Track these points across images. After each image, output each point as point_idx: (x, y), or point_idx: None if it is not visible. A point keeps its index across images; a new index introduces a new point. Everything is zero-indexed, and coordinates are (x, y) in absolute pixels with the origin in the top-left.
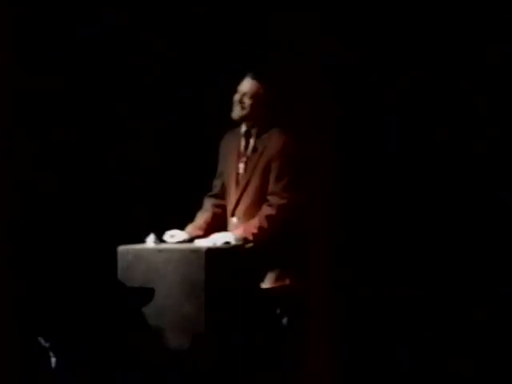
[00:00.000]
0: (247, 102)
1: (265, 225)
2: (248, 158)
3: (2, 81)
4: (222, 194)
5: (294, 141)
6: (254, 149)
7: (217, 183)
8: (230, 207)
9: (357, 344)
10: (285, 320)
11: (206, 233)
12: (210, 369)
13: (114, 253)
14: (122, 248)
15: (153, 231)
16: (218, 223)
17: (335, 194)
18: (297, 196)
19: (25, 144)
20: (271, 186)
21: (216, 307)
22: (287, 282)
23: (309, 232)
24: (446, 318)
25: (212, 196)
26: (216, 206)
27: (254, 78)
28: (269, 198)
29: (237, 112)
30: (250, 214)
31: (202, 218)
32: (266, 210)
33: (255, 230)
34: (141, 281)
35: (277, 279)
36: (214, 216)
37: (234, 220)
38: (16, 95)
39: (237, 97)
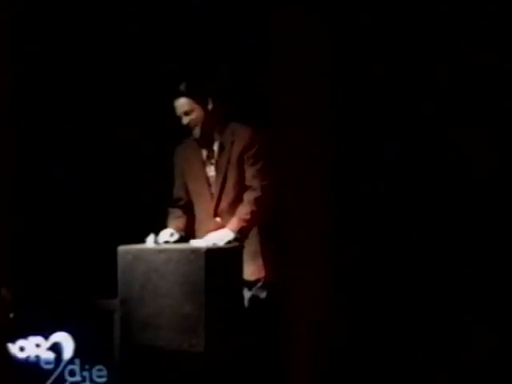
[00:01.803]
0: (193, 119)
1: (255, 208)
2: (218, 158)
3: (3, 79)
4: (188, 204)
5: (256, 130)
6: (221, 147)
7: (181, 194)
8: (207, 210)
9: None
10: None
11: (186, 235)
12: (210, 369)
13: (114, 253)
14: (122, 248)
15: (153, 231)
16: (191, 228)
17: (331, 191)
18: (272, 177)
19: (25, 144)
20: (249, 172)
21: (216, 307)
22: (262, 274)
23: (307, 231)
24: (445, 316)
25: (177, 207)
26: (186, 213)
27: (182, 94)
28: (250, 183)
29: (195, 132)
30: (233, 208)
31: (179, 221)
32: (252, 194)
33: (248, 216)
34: (141, 281)
35: (253, 273)
36: (188, 221)
37: (218, 219)
38: (16, 93)
39: (183, 120)
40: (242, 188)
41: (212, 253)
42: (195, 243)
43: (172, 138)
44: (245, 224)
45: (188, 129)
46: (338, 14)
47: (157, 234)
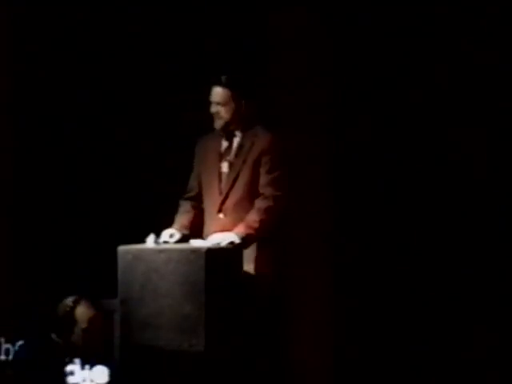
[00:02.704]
0: (222, 110)
1: (265, 217)
2: (235, 156)
3: (3, 79)
4: (198, 196)
5: (280, 137)
6: (240, 146)
7: (194, 185)
8: (214, 205)
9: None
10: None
11: (191, 233)
12: (210, 369)
13: (114, 253)
14: (122, 248)
15: (153, 231)
16: (198, 224)
17: (331, 191)
18: (287, 189)
19: (25, 144)
20: (264, 179)
21: (216, 307)
22: (264, 270)
23: (307, 231)
24: (445, 316)
25: (189, 198)
26: (195, 207)
27: (222, 85)
28: (263, 190)
29: (218, 123)
30: (238, 208)
31: (185, 218)
32: (264, 203)
33: (256, 224)
34: (141, 281)
35: (254, 268)
36: (195, 217)
37: (221, 216)
38: (16, 93)
39: (212, 108)
40: (251, 190)
41: (212, 253)
42: (195, 243)
43: (172, 138)
44: (252, 232)
45: (213, 117)
46: (337, 13)
47: (157, 233)
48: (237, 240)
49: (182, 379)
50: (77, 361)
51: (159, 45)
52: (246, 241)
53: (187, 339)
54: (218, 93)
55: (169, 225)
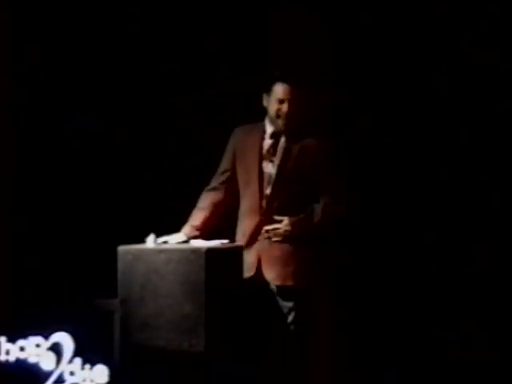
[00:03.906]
0: (287, 109)
1: (328, 216)
2: (283, 158)
3: (3, 79)
4: (222, 189)
5: (332, 145)
6: (288, 149)
7: (222, 175)
8: (254, 204)
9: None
10: (291, 317)
11: (203, 233)
12: (210, 369)
13: (114, 253)
14: (122, 248)
15: (153, 231)
16: (215, 222)
17: None
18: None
19: (25, 144)
20: (328, 183)
21: (216, 307)
22: (291, 282)
23: None
24: (445, 316)
25: (211, 190)
26: (215, 203)
27: (289, 82)
28: (328, 193)
29: (280, 122)
30: (281, 212)
31: (199, 217)
32: (332, 201)
33: (317, 219)
34: (141, 281)
35: (282, 277)
36: (212, 214)
37: (262, 217)
38: (16, 93)
39: (281, 106)
40: (296, 197)
41: (212, 253)
42: (195, 243)
43: (172, 138)
44: (306, 225)
45: (278, 115)
46: (338, 13)
47: (157, 234)
48: (287, 226)
49: (182, 379)
50: (77, 361)
51: (159, 45)
52: (295, 231)
53: (187, 339)
54: (290, 91)
55: (169, 225)
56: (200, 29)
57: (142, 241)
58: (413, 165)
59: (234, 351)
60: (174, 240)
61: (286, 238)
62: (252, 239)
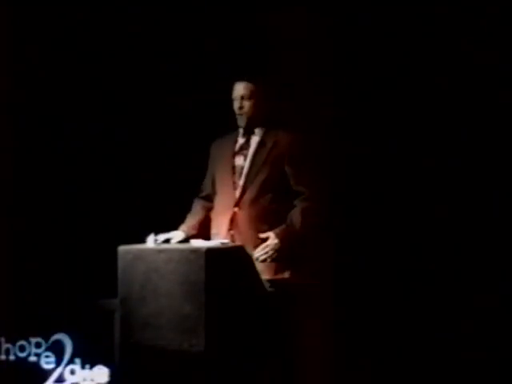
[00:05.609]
0: (246, 105)
1: (310, 219)
2: (255, 153)
3: (3, 79)
4: (210, 196)
5: (304, 138)
6: (261, 144)
7: (207, 184)
8: (228, 198)
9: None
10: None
11: (200, 233)
12: (210, 369)
13: (114, 253)
14: (122, 248)
15: (153, 231)
16: (208, 224)
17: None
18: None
19: (25, 144)
20: (299, 179)
21: (216, 307)
22: (287, 275)
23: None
24: (445, 315)
25: (202, 198)
26: (206, 208)
27: (245, 80)
28: (298, 189)
29: (242, 119)
30: (254, 204)
31: (194, 218)
32: (306, 204)
33: (302, 225)
34: (141, 281)
35: (277, 271)
36: (206, 218)
37: (236, 209)
38: (16, 93)
39: (236, 104)
40: (268, 188)
41: (212, 253)
42: (195, 243)
43: (172, 138)
44: (297, 233)
45: (238, 114)
46: (338, 13)
47: (157, 234)
48: (276, 243)
49: (182, 379)
50: (77, 361)
51: (159, 45)
52: (290, 242)
53: (187, 339)
54: (241, 87)
55: (169, 225)
56: (200, 29)
57: (142, 241)
58: (413, 165)
59: (233, 351)
60: (172, 236)
61: (280, 252)
62: (227, 233)
